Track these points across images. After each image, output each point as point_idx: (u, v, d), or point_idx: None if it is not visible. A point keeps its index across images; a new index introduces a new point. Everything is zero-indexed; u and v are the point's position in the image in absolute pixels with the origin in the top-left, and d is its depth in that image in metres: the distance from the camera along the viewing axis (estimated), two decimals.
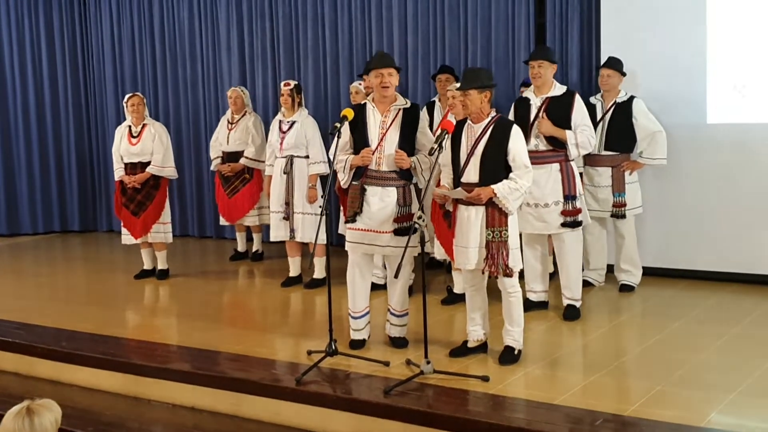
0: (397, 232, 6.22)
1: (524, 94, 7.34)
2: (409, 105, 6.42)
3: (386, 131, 6.26)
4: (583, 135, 7.03)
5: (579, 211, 7.07)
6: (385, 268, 7.68)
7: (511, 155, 5.81)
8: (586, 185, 7.97)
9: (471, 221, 5.85)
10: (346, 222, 6.32)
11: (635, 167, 7.92)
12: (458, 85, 6.88)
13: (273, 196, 8.61)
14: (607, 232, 8.18)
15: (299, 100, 8.65)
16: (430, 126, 8.29)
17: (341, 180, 6.48)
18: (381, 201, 6.25)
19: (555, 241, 7.24)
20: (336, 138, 6.17)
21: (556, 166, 7.03)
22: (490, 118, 5.91)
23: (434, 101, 8.51)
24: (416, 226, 5.64)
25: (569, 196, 7.02)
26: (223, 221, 10.03)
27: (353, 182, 6.28)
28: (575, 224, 7.07)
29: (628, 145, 7.92)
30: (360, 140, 6.28)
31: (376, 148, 6.24)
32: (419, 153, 6.31)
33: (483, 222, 5.83)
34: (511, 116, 7.26)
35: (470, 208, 5.86)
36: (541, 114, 7.10)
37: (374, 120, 6.27)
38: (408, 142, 6.28)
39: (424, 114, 8.09)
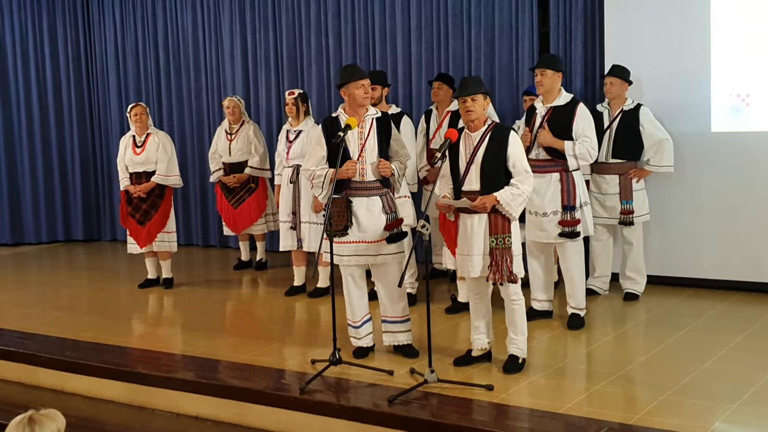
0: (390, 239, 6.25)
1: (535, 103, 7.33)
2: (380, 114, 6.45)
3: (365, 141, 6.28)
4: (582, 146, 6.99)
5: (578, 221, 7.04)
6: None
7: (511, 161, 5.83)
8: (593, 193, 7.96)
9: (474, 229, 5.85)
10: (335, 236, 6.20)
11: (642, 175, 7.92)
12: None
13: (281, 206, 8.61)
14: (613, 240, 8.17)
15: (305, 108, 8.63)
16: (427, 134, 8.35)
17: (318, 195, 6.44)
18: (368, 211, 6.27)
19: (558, 250, 7.23)
20: (339, 148, 6.14)
21: (556, 175, 7.03)
22: (486, 126, 5.93)
23: (431, 109, 8.53)
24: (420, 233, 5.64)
25: (568, 207, 7.01)
26: (227, 231, 9.99)
27: (335, 196, 6.22)
28: (573, 235, 7.04)
29: (635, 152, 7.92)
30: (337, 152, 6.14)
31: (358, 158, 6.25)
32: (393, 160, 6.34)
33: (486, 229, 5.83)
34: (523, 124, 7.37)
35: (473, 216, 5.86)
36: (543, 124, 7.11)
37: (351, 131, 6.24)
38: (385, 150, 6.33)
39: (408, 122, 8.13)
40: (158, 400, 6.34)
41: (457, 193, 5.96)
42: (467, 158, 5.91)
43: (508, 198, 5.76)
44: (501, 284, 5.87)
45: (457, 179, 5.96)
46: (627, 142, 7.89)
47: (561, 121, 7.05)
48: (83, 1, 12.52)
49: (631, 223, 7.89)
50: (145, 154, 8.99)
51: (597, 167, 7.95)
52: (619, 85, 7.91)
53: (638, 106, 7.91)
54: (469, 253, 5.89)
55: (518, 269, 5.86)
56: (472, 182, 5.88)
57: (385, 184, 6.34)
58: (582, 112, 7.09)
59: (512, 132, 5.93)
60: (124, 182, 9.14)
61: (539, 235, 7.10)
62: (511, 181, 5.83)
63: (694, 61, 8.09)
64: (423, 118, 8.53)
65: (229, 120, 9.72)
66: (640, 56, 8.23)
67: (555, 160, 7.05)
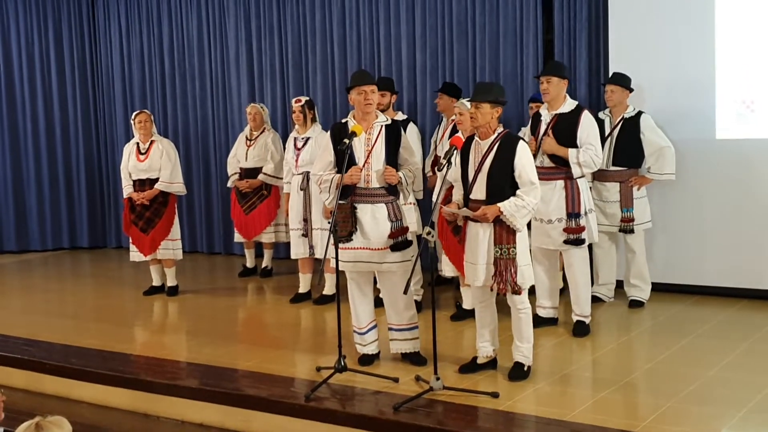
0: (394, 248, 6.23)
1: (540, 110, 7.34)
2: (390, 121, 6.44)
3: (372, 148, 6.27)
4: (586, 154, 6.98)
5: (582, 228, 7.03)
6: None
7: (518, 171, 5.78)
8: (594, 200, 7.94)
9: (479, 238, 5.84)
10: (340, 241, 6.19)
11: (643, 182, 7.91)
12: (466, 100, 6.90)
13: (291, 214, 8.62)
14: (616, 247, 8.16)
15: (312, 115, 8.67)
16: (437, 141, 8.42)
17: (325, 200, 6.44)
18: (373, 218, 6.25)
19: (563, 257, 7.22)
20: (345, 154, 6.14)
21: (560, 183, 7.02)
22: (496, 135, 5.88)
23: (443, 118, 8.62)
24: (425, 240, 5.63)
25: (572, 214, 7.00)
26: (238, 238, 10.00)
27: (341, 201, 6.20)
28: (578, 242, 7.04)
29: (636, 160, 7.92)
30: (342, 159, 6.17)
31: (364, 165, 6.25)
32: (403, 168, 6.33)
33: (491, 239, 5.81)
34: (529, 132, 7.38)
35: (479, 224, 5.84)
36: (547, 131, 7.11)
37: (358, 137, 6.24)
38: (393, 158, 6.30)
39: (414, 130, 8.17)
40: (163, 408, 6.35)
41: (466, 200, 5.95)
42: (475, 166, 5.89)
43: (512, 209, 5.72)
44: (505, 294, 5.86)
45: (466, 186, 5.95)
46: (628, 149, 7.88)
47: (566, 129, 7.05)
48: (89, 8, 12.55)
49: (632, 231, 7.88)
50: (149, 161, 9.00)
51: (598, 174, 7.93)
52: (620, 93, 7.90)
53: (639, 113, 7.90)
54: (474, 261, 5.89)
55: (523, 279, 5.82)
56: (478, 191, 5.86)
57: (391, 191, 6.32)
58: (586, 119, 7.08)
59: (521, 142, 5.86)
60: (127, 189, 9.14)
61: (545, 241, 7.10)
62: (517, 192, 5.77)
63: (699, 68, 8.09)
64: (438, 126, 8.63)
65: (250, 126, 9.76)
66: (644, 63, 8.24)
67: (559, 168, 7.04)
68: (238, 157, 9.79)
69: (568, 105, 7.14)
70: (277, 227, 9.75)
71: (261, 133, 9.71)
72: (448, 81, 9.20)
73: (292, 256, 8.71)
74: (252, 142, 9.70)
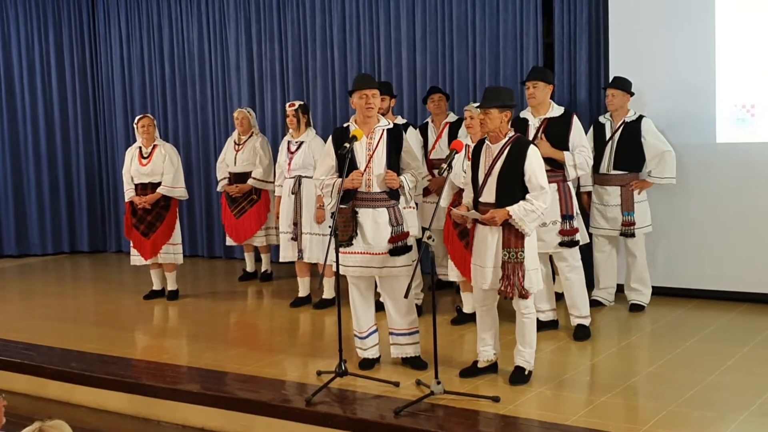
0: (393, 252, 6.23)
1: (522, 115, 7.36)
2: (392, 125, 6.43)
3: (373, 152, 6.26)
4: (581, 156, 7.07)
5: (576, 230, 7.08)
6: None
7: (527, 176, 5.78)
8: (595, 204, 7.97)
9: (488, 241, 5.84)
10: (340, 246, 6.19)
11: (644, 186, 7.92)
12: (475, 104, 6.92)
13: (282, 217, 8.63)
14: (617, 251, 8.16)
15: (306, 120, 8.66)
16: (424, 147, 8.37)
17: (327, 205, 6.44)
18: (374, 222, 6.25)
19: (555, 260, 7.22)
20: (345, 159, 6.13)
21: (554, 186, 6.99)
22: (507, 138, 5.88)
23: (427, 122, 8.61)
24: (424, 244, 5.63)
25: (567, 216, 7.04)
26: (230, 241, 10.04)
27: (342, 206, 6.20)
28: (573, 243, 7.08)
29: (637, 164, 7.92)
30: (342, 163, 6.18)
31: (365, 169, 6.24)
32: (405, 172, 6.32)
33: (499, 242, 5.81)
34: None
35: (487, 228, 5.84)
36: (540, 135, 7.12)
37: (360, 142, 6.24)
38: (394, 162, 6.29)
39: (414, 133, 8.16)
40: (164, 412, 6.34)
41: (475, 204, 5.95)
42: (486, 170, 5.90)
43: (520, 213, 5.71)
44: (511, 298, 5.85)
45: (476, 190, 5.95)
46: (629, 153, 7.89)
47: (558, 133, 7.11)
48: (89, 14, 12.57)
49: (632, 235, 7.88)
50: (151, 165, 9.00)
51: (599, 178, 7.95)
52: (621, 97, 7.91)
53: (640, 117, 7.91)
54: (482, 264, 5.88)
55: (531, 284, 5.82)
56: (488, 194, 5.86)
57: (393, 196, 6.31)
58: (577, 123, 7.19)
59: (531, 146, 5.87)
60: (129, 193, 9.15)
61: (538, 245, 7.09)
62: (526, 196, 5.77)
63: (699, 72, 8.09)
64: (418, 132, 8.57)
65: (238, 131, 9.78)
66: (644, 67, 8.24)
67: (553, 171, 7.03)
68: (227, 161, 9.81)
69: (557, 109, 7.23)
70: (268, 230, 9.78)
71: (249, 137, 9.73)
72: (437, 86, 9.17)
73: (281, 259, 8.74)
74: (240, 146, 9.72)
